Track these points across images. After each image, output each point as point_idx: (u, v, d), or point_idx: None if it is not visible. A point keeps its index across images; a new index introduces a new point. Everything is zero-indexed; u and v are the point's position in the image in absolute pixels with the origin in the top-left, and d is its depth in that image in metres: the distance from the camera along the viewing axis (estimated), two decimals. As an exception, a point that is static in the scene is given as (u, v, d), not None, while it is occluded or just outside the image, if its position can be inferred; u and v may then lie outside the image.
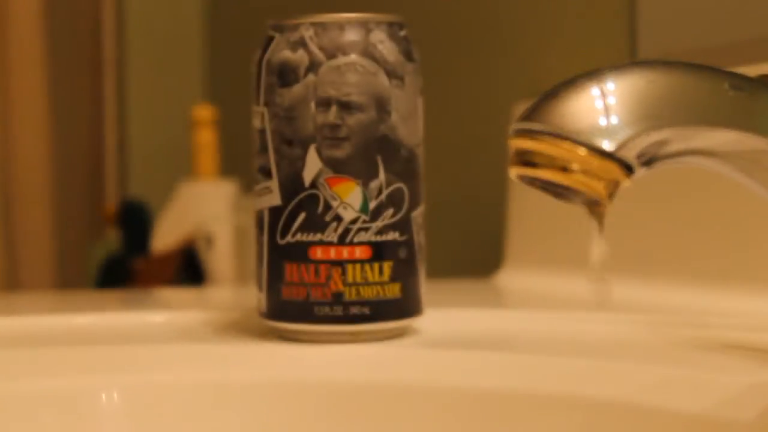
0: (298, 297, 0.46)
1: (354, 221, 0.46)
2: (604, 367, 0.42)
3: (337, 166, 0.46)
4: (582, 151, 0.35)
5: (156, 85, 1.63)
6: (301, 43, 0.46)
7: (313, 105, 0.46)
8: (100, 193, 1.64)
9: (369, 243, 0.46)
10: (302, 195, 0.46)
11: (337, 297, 0.46)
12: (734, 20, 0.64)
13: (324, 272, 0.46)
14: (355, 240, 0.46)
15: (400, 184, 0.46)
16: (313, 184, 0.46)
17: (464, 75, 0.93)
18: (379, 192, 0.46)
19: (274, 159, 0.47)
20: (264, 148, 0.47)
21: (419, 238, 0.47)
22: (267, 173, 0.47)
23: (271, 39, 0.47)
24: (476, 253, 0.88)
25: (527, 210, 0.73)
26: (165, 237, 1.26)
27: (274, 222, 0.47)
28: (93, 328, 0.53)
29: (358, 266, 0.46)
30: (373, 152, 0.46)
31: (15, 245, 1.55)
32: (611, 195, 0.36)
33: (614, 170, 0.35)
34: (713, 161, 0.38)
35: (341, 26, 0.46)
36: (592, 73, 0.35)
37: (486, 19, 0.90)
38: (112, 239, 1.42)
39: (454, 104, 0.92)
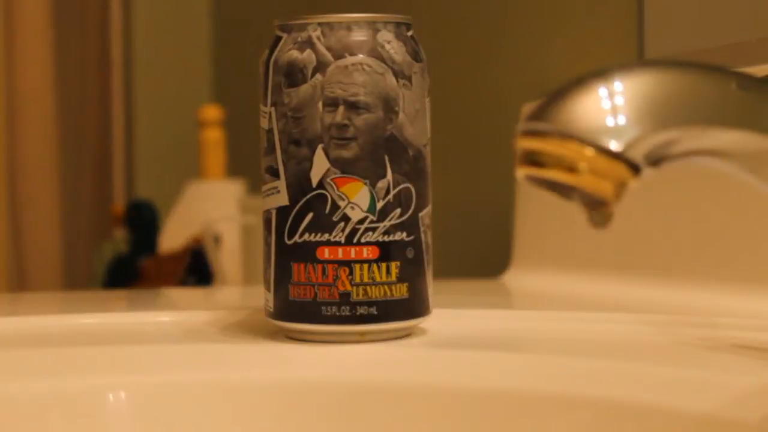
0: (305, 297, 0.46)
1: (361, 221, 0.46)
2: (612, 367, 0.42)
3: (344, 166, 0.46)
4: (589, 151, 0.34)
5: (163, 85, 1.63)
6: (309, 43, 0.46)
7: (320, 105, 0.46)
8: (107, 193, 1.64)
9: (376, 243, 0.46)
10: (310, 195, 0.46)
11: (345, 297, 0.46)
12: (741, 20, 0.63)
13: (331, 272, 0.46)
14: (363, 240, 0.46)
15: (408, 184, 0.46)
16: (321, 184, 0.46)
17: (471, 75, 0.93)
18: (387, 192, 0.46)
19: (281, 159, 0.47)
20: (271, 149, 0.47)
21: (427, 238, 0.47)
22: (274, 173, 0.47)
23: (278, 39, 0.47)
24: (483, 253, 0.88)
25: (535, 210, 0.73)
26: (172, 237, 1.26)
27: (282, 222, 0.47)
28: (100, 328, 0.53)
29: (365, 266, 0.46)
30: (381, 152, 0.46)
31: (22, 245, 1.55)
32: (619, 195, 0.35)
33: (621, 170, 0.35)
34: (721, 161, 0.38)
35: (349, 26, 0.46)
36: (600, 72, 0.35)
37: (493, 19, 0.90)
38: (119, 239, 1.42)
39: (461, 104, 0.92)
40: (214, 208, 1.22)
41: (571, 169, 0.35)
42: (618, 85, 0.35)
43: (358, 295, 0.46)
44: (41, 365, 0.46)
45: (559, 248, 0.70)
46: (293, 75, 0.46)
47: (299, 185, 0.46)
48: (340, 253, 0.46)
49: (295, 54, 0.46)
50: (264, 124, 0.47)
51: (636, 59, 0.71)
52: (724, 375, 0.39)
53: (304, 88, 0.46)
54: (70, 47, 1.60)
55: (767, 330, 0.46)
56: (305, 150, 0.46)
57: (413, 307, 0.47)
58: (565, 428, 0.41)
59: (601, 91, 0.35)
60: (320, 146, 0.46)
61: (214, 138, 1.29)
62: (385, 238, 0.46)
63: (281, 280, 0.47)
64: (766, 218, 0.55)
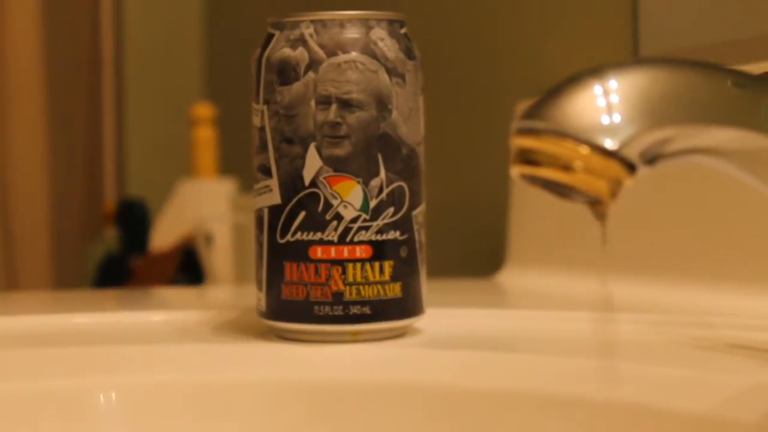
0: (298, 296, 0.46)
1: (354, 220, 0.45)
2: (607, 367, 0.42)
3: (337, 165, 0.45)
4: (584, 150, 0.34)
5: (155, 82, 1.63)
6: (301, 41, 0.46)
7: (313, 103, 0.45)
8: (98, 192, 1.64)
9: (369, 242, 0.46)
10: (302, 194, 0.46)
11: (338, 296, 0.45)
12: (737, 17, 0.63)
13: (324, 271, 0.45)
14: (356, 239, 0.45)
15: (401, 183, 0.46)
16: (313, 183, 0.46)
17: (465, 73, 0.92)
18: (380, 191, 0.46)
19: (273, 157, 0.46)
20: (263, 147, 0.47)
21: (420, 237, 0.47)
22: (267, 172, 0.47)
23: (270, 36, 0.47)
24: (478, 252, 0.88)
25: (529, 209, 0.73)
26: (164, 236, 1.26)
27: (274, 221, 0.46)
28: (91, 328, 0.52)
29: (358, 265, 0.45)
30: (374, 150, 0.46)
31: (13, 244, 1.55)
32: (614, 194, 0.35)
33: (617, 169, 0.35)
34: (716, 159, 0.38)
35: (341, 24, 0.46)
36: (595, 70, 0.35)
37: (487, 16, 0.90)
38: (110, 238, 1.42)
39: (455, 102, 0.92)
40: (206, 207, 1.22)
41: (566, 167, 0.35)
42: (613, 83, 0.35)
43: (351, 294, 0.45)
44: (31, 365, 0.46)
45: (554, 247, 0.70)
46: (286, 73, 0.46)
47: (292, 184, 0.46)
48: (332, 252, 0.45)
49: (287, 52, 0.46)
50: (256, 122, 0.47)
51: (631, 57, 0.70)
52: (721, 375, 0.39)
53: (297, 86, 0.46)
54: (61, 44, 1.59)
55: (763, 329, 0.46)
56: (298, 148, 0.46)
57: (407, 306, 0.47)
58: (560, 428, 0.41)
59: (596, 89, 0.35)
60: (313, 144, 0.45)
61: (205, 136, 1.28)
62: (379, 237, 0.46)
63: (273, 280, 0.47)
64: (763, 217, 0.55)
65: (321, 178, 0.45)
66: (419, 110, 0.47)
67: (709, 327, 0.48)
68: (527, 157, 0.35)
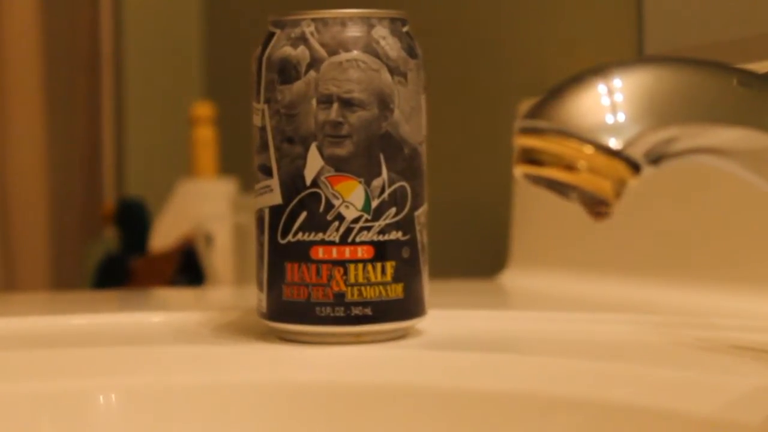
0: (299, 297, 0.46)
1: (356, 220, 0.45)
2: (610, 368, 0.41)
3: (338, 165, 0.45)
4: (588, 149, 0.34)
5: (154, 81, 1.62)
6: (302, 39, 0.45)
7: (314, 102, 0.45)
8: (97, 192, 1.63)
9: (371, 242, 0.45)
10: (303, 194, 0.45)
11: (339, 297, 0.45)
12: (743, 16, 0.63)
13: (325, 272, 0.45)
14: (357, 239, 0.45)
15: (403, 183, 0.46)
16: (315, 183, 0.45)
17: (468, 72, 0.92)
18: (382, 191, 0.45)
19: (274, 157, 0.46)
20: (264, 146, 0.46)
21: (422, 237, 0.47)
22: (267, 172, 0.46)
23: (271, 35, 0.46)
24: (480, 253, 0.87)
25: (532, 209, 0.72)
26: (163, 236, 1.26)
27: (275, 221, 0.46)
28: (90, 329, 0.52)
29: (360, 266, 0.45)
30: (376, 150, 0.45)
31: (11, 244, 1.55)
32: (618, 194, 0.35)
33: (621, 169, 0.34)
34: (721, 159, 0.38)
35: (343, 22, 0.45)
36: (599, 69, 0.35)
37: (490, 15, 0.89)
38: (109, 238, 1.42)
39: (457, 101, 0.92)
40: (206, 207, 1.21)
41: (570, 167, 0.34)
42: (617, 82, 0.34)
43: (352, 295, 0.45)
44: (30, 367, 0.45)
45: (556, 248, 0.69)
46: (286, 71, 0.45)
47: (293, 184, 0.46)
48: (334, 253, 0.45)
49: (288, 50, 0.46)
50: (257, 121, 0.47)
51: (635, 56, 0.70)
52: (724, 376, 0.39)
53: (298, 85, 0.45)
54: (60, 44, 1.59)
55: (766, 331, 0.46)
56: (299, 148, 0.45)
57: (409, 307, 0.46)
58: (562, 430, 0.40)
59: (600, 89, 0.34)
60: (314, 144, 0.45)
61: (205, 135, 1.28)
62: (380, 238, 0.45)
63: (274, 280, 0.46)
64: (766, 218, 0.54)
65: (322, 178, 0.45)
66: (421, 109, 0.47)
67: (712, 328, 0.48)
68: (531, 157, 0.35)
